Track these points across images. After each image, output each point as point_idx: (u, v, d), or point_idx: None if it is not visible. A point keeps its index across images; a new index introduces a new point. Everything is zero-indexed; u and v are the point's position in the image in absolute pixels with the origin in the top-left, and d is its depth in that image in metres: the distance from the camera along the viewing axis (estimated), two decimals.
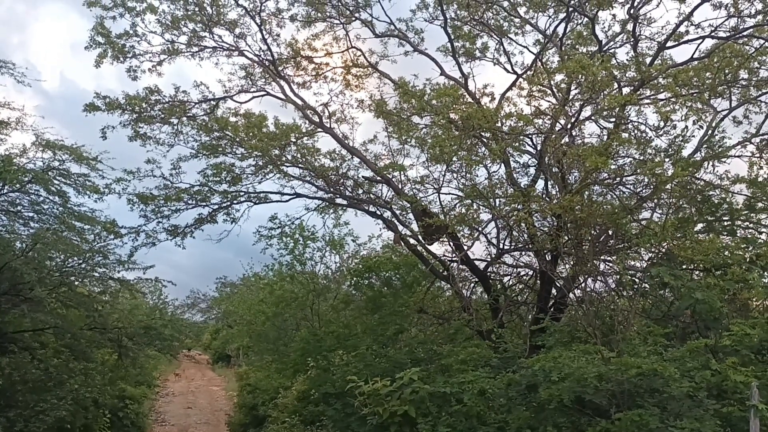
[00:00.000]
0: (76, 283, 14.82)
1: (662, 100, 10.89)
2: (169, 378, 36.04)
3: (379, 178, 13.57)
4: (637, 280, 10.78)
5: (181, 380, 37.63)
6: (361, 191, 14.29)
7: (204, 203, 13.34)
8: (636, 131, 11.77)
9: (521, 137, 11.47)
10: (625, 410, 6.74)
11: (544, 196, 11.80)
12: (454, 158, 12.52)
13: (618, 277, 10.75)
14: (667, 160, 11.51)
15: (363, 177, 13.96)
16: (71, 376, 11.37)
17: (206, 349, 50.73)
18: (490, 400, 8.44)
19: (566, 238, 11.14)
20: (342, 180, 14.25)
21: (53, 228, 14.85)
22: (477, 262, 13.14)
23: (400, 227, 13.93)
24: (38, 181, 14.58)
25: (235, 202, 13.61)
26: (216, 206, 13.48)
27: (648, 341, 7.94)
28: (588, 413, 7.27)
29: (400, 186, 13.40)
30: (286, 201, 14.10)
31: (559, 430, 7.13)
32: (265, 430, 18.69)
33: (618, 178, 10.85)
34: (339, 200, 14.64)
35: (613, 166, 10.32)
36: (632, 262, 11.01)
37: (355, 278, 15.34)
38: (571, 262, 11.54)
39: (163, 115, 12.89)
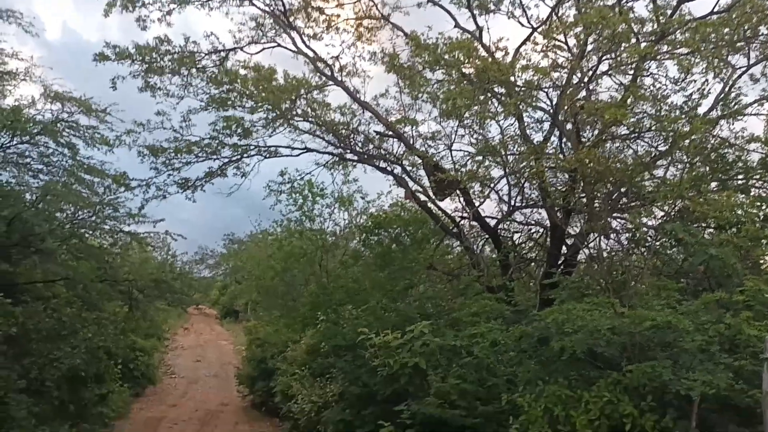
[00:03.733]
0: (87, 235, 14.89)
1: (682, 54, 10.64)
2: (178, 332, 36.60)
3: (390, 132, 13.44)
4: (650, 237, 10.72)
5: (190, 334, 38.24)
6: (371, 146, 14.17)
7: (214, 156, 13.28)
8: (652, 87, 11.57)
9: (536, 92, 11.29)
10: (636, 363, 6.77)
11: (557, 152, 11.67)
12: (467, 113, 12.37)
13: (631, 234, 10.70)
14: (683, 117, 11.33)
15: (375, 131, 13.83)
16: (84, 325, 11.51)
17: (214, 304, 51.38)
18: (501, 353, 8.51)
19: (579, 194, 11.06)
20: (352, 135, 14.12)
21: (63, 180, 14.87)
22: (487, 219, 13.11)
23: (411, 183, 13.88)
24: (47, 133, 14.54)
25: (245, 155, 13.55)
26: (226, 160, 13.42)
27: (661, 296, 7.93)
28: (599, 366, 7.30)
29: (411, 142, 13.27)
30: (297, 155, 14.05)
31: (569, 382, 7.18)
32: (274, 382, 19.04)
33: (636, 133, 10.68)
34: (349, 155, 14.54)
35: (631, 120, 10.15)
36: (645, 219, 10.94)
37: (364, 234, 15.36)
38: (584, 219, 11.50)
39: (173, 66, 12.72)
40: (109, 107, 14.29)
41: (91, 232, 14.88)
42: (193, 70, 12.92)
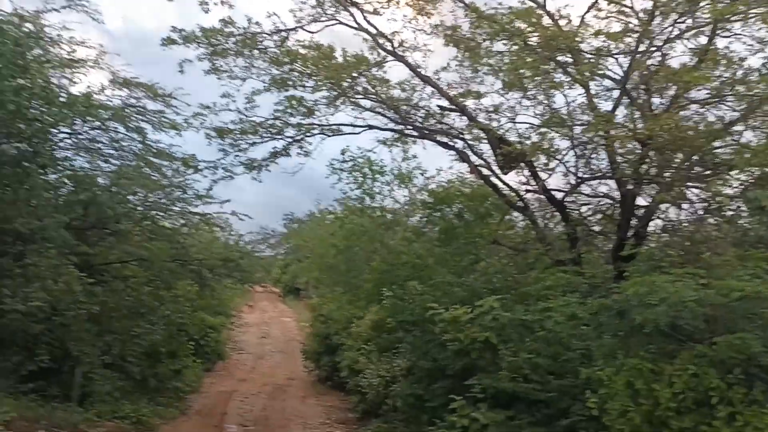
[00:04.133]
0: (158, 217, 15.35)
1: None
2: (243, 310, 37.54)
3: (453, 106, 13.26)
4: (727, 206, 10.28)
5: (254, 312, 39.23)
6: (432, 122, 14.04)
7: (279, 136, 13.43)
8: (727, 50, 10.98)
9: (604, 59, 10.91)
10: (721, 335, 6.55)
11: (627, 120, 11.28)
12: (531, 84, 12.08)
13: (707, 203, 10.28)
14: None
15: (437, 106, 13.67)
16: (161, 303, 11.95)
17: (276, 283, 52.39)
18: (575, 327, 8.38)
19: (651, 164, 10.69)
20: (413, 111, 14.01)
21: (134, 164, 15.34)
22: (554, 192, 12.83)
23: (473, 158, 13.69)
24: (117, 118, 14.97)
25: (308, 135, 13.64)
26: (290, 139, 13.55)
27: (747, 266, 7.62)
28: (680, 338, 7.11)
29: (474, 115, 13.06)
30: (358, 133, 14.03)
31: (650, 355, 7.02)
32: (339, 357, 19.40)
33: (715, 98, 10.19)
34: (410, 132, 14.43)
35: (714, 83, 9.68)
36: (723, 188, 10.48)
37: (426, 210, 15.30)
38: (655, 189, 11.12)
39: (236, 48, 12.87)
40: (174, 91, 14.62)
41: (162, 213, 15.31)
42: (255, 52, 13.03)
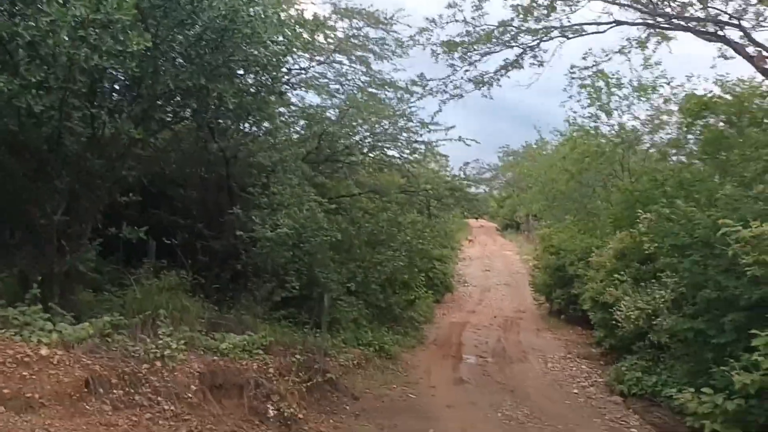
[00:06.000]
0: (386, 147, 15.14)
1: None
2: (464, 244, 37.46)
3: None
4: None
5: (474, 246, 38.97)
6: (693, 10, 11.68)
7: (513, 43, 12.13)
8: None
9: None
10: None
11: None
12: None
13: None
14: None
15: None
16: (400, 229, 11.65)
17: (493, 217, 51.78)
18: None
19: None
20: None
21: (358, 96, 15.21)
22: None
23: (750, 49, 11.16)
24: (341, 51, 14.92)
25: (544, 39, 12.14)
26: (525, 46, 12.17)
27: None
28: None
29: None
30: (603, 32, 12.17)
31: None
32: (577, 289, 18.05)
33: None
34: (664, 25, 12.19)
35: None
36: None
37: (688, 118, 13.02)
38: None
39: None
40: (395, 14, 14.05)
41: (389, 144, 15.06)
42: None
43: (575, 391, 12.10)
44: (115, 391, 5.39)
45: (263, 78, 9.21)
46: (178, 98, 8.56)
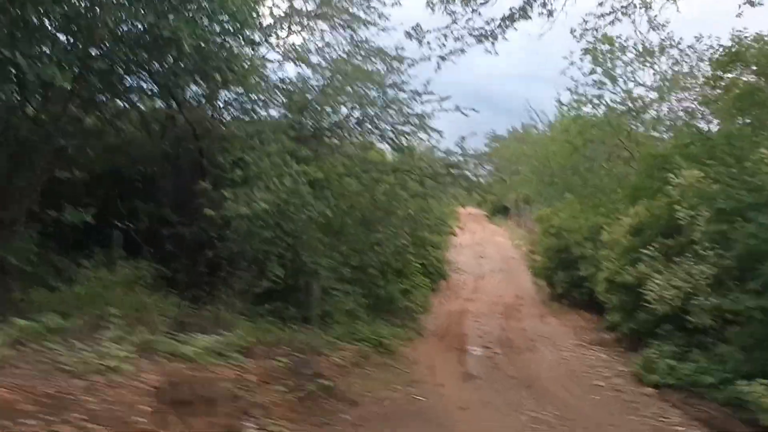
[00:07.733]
0: (375, 120, 13.62)
1: None
2: (454, 231, 36.06)
3: None
4: None
5: (464, 233, 37.59)
6: None
7: None
8: None
9: None
10: None
11: None
12: None
13: None
14: None
15: None
16: (399, 203, 10.14)
17: (480, 204, 50.45)
18: None
19: None
20: None
21: (343, 68, 13.72)
22: None
23: None
24: (322, 17, 13.41)
25: None
26: None
27: None
28: None
29: None
30: None
31: None
32: (587, 270, 16.78)
33: None
34: None
35: None
36: None
37: (715, 72, 11.65)
38: None
39: None
40: None
41: (379, 116, 13.54)
42: None
43: (600, 383, 10.70)
44: (27, 422, 3.84)
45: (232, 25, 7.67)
46: (126, 49, 6.99)
